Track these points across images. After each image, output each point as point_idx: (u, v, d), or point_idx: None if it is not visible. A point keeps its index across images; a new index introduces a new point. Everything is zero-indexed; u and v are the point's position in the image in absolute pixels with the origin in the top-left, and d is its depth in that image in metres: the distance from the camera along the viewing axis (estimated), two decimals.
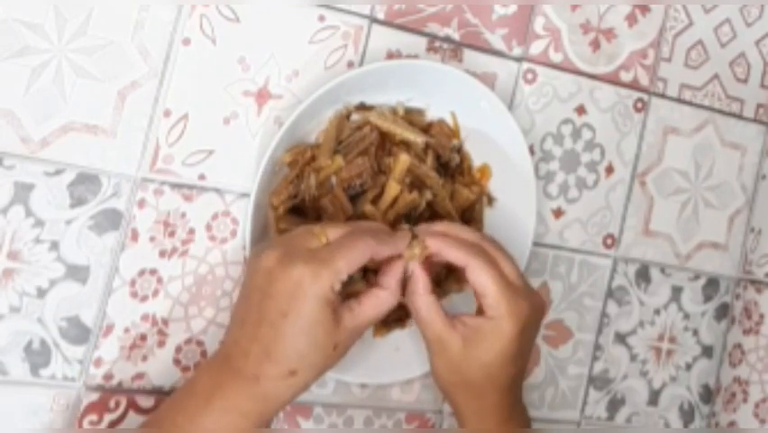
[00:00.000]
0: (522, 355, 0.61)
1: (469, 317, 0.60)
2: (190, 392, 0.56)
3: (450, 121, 0.68)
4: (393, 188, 0.64)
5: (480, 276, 0.58)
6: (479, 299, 0.59)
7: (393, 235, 0.59)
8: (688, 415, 0.81)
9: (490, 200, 0.70)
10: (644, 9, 0.76)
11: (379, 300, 0.57)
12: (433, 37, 0.68)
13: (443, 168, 0.68)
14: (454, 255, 0.59)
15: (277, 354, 0.54)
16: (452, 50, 0.69)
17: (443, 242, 0.59)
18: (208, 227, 0.63)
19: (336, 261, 0.55)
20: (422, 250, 0.59)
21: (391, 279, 0.58)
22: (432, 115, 0.68)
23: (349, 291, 0.60)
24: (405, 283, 0.59)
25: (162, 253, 0.61)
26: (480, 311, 0.60)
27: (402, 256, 0.59)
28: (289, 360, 0.54)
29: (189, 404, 0.55)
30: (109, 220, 0.60)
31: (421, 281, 0.59)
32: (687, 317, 0.80)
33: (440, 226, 0.61)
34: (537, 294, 0.61)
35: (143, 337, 0.61)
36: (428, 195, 0.65)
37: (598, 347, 0.77)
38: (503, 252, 0.61)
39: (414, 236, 0.59)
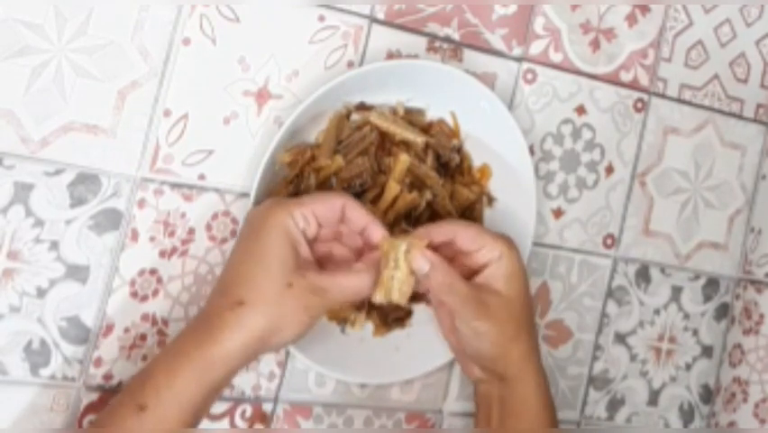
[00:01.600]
0: (529, 284, 0.64)
1: (478, 276, 0.61)
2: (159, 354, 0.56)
3: (450, 121, 0.68)
4: (393, 188, 0.64)
5: (469, 233, 0.61)
6: (475, 256, 0.61)
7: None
8: (688, 415, 0.81)
9: (490, 200, 0.70)
10: (644, 9, 0.76)
11: (350, 272, 0.57)
12: (433, 37, 0.68)
13: (443, 168, 0.68)
14: (441, 231, 0.60)
15: (227, 283, 0.54)
16: (452, 50, 0.69)
17: (426, 229, 0.61)
18: (208, 227, 0.63)
19: (302, 198, 0.57)
20: (413, 243, 0.58)
21: (368, 259, 0.58)
22: (432, 115, 0.68)
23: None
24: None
25: (162, 253, 0.61)
26: (477, 270, 0.61)
27: (385, 252, 0.58)
28: (237, 287, 0.54)
29: (151, 364, 0.55)
30: (109, 220, 0.60)
31: (442, 262, 0.58)
32: (687, 317, 0.80)
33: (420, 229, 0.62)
34: None
35: (143, 337, 0.61)
36: (428, 195, 0.65)
37: (598, 347, 0.77)
38: None
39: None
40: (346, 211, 0.58)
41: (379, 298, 0.57)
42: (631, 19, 0.76)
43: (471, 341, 0.61)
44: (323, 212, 0.57)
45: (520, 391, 0.61)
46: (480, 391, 0.64)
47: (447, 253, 0.61)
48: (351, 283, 0.57)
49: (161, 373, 0.53)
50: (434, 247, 0.59)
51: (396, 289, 0.57)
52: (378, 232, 0.59)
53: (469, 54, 0.70)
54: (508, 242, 0.62)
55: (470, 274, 0.61)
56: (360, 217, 0.58)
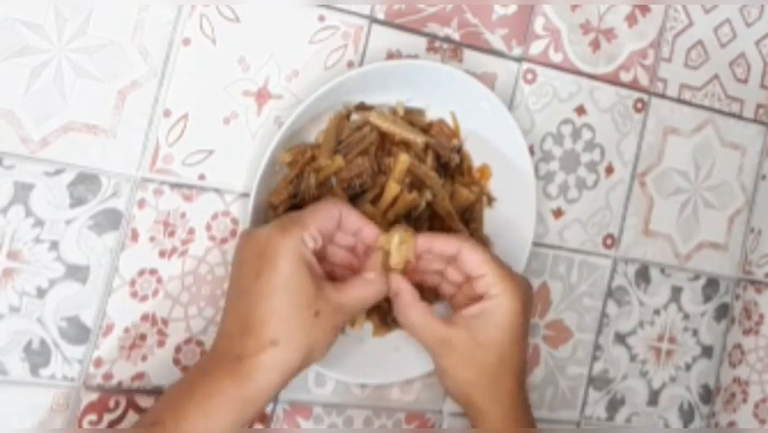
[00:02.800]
0: (525, 336, 0.61)
1: (466, 309, 0.59)
2: (177, 387, 0.56)
3: (450, 121, 0.68)
4: (393, 189, 0.64)
5: (474, 257, 0.59)
6: (474, 283, 0.60)
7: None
8: (687, 415, 0.81)
9: (490, 200, 0.70)
10: (644, 9, 0.76)
11: (364, 282, 0.57)
12: (433, 37, 0.68)
13: (443, 168, 0.68)
14: (446, 244, 0.60)
15: (254, 322, 0.53)
16: (452, 50, 0.69)
17: (431, 236, 0.60)
18: (208, 227, 0.63)
19: (303, 217, 0.55)
20: (404, 239, 0.58)
21: (374, 263, 0.58)
22: (432, 115, 0.68)
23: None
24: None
25: (162, 253, 0.61)
26: (475, 299, 0.60)
27: (380, 248, 0.59)
28: (267, 327, 0.52)
29: (175, 398, 0.54)
30: (109, 220, 0.60)
31: (408, 292, 0.59)
32: (687, 317, 0.80)
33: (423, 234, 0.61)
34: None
35: (143, 337, 0.61)
36: (428, 195, 0.65)
37: (597, 347, 0.77)
38: None
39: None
40: (342, 217, 0.58)
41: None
42: (631, 19, 0.76)
43: (438, 375, 0.62)
44: (324, 226, 0.57)
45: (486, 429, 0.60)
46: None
47: (453, 276, 0.62)
48: (368, 293, 0.57)
49: (197, 409, 0.52)
50: (426, 255, 0.60)
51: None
52: (371, 233, 0.59)
53: (469, 54, 0.70)
54: (515, 285, 0.59)
55: (464, 302, 0.61)
56: (354, 221, 0.59)
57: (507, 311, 0.59)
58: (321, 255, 0.60)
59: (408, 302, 0.59)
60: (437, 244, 0.60)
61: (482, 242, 0.69)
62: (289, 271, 0.53)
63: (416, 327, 0.59)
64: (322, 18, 0.65)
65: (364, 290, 0.57)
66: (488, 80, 0.70)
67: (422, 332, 0.59)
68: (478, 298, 0.60)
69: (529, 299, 0.61)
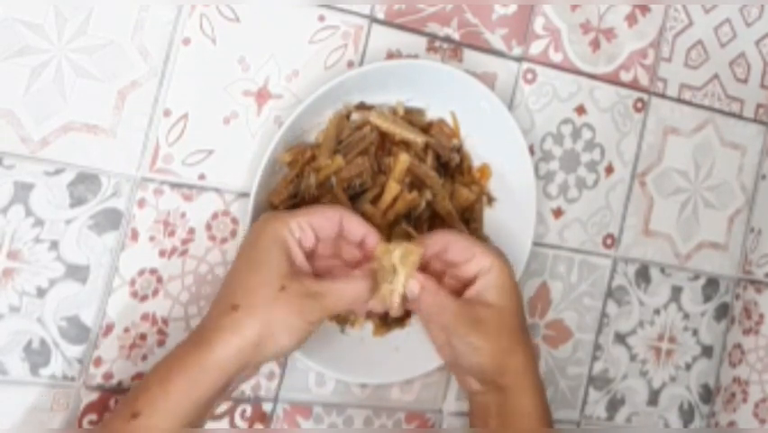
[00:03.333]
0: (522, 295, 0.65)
1: (468, 289, 0.61)
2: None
3: (450, 121, 0.68)
4: (393, 188, 0.64)
5: (461, 243, 0.61)
6: (464, 268, 0.61)
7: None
8: (687, 415, 0.81)
9: (490, 200, 0.70)
10: (644, 9, 0.76)
11: (346, 277, 0.58)
12: (433, 37, 0.68)
13: (443, 168, 0.68)
14: (434, 242, 0.61)
15: (224, 292, 0.56)
16: (452, 50, 0.69)
17: (421, 239, 0.61)
18: (208, 227, 0.63)
19: (298, 210, 0.58)
20: (408, 248, 0.59)
21: (365, 267, 0.59)
22: (432, 115, 0.68)
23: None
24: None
25: (162, 253, 0.61)
26: (467, 282, 0.61)
27: (378, 258, 0.59)
28: (234, 294, 0.54)
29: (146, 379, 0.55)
30: (109, 220, 0.60)
31: (433, 284, 0.59)
32: (687, 317, 0.80)
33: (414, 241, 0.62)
34: None
35: (143, 337, 0.61)
36: (428, 195, 0.65)
37: (597, 347, 0.77)
38: None
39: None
40: (343, 223, 0.58)
41: (374, 305, 0.59)
42: (631, 19, 0.76)
43: (468, 356, 0.61)
44: (319, 223, 0.57)
45: (519, 402, 0.61)
46: (476, 401, 0.63)
47: (438, 266, 0.62)
48: (348, 288, 0.57)
49: (156, 381, 0.53)
50: (425, 261, 0.60)
51: (391, 299, 0.58)
52: (372, 239, 0.59)
53: (469, 54, 0.70)
54: (499, 254, 0.62)
55: (462, 287, 0.62)
56: (357, 228, 0.59)
57: (506, 277, 0.61)
58: (327, 270, 0.60)
59: (426, 287, 0.59)
60: (428, 245, 0.60)
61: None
62: (265, 247, 0.56)
63: (439, 308, 0.59)
64: (322, 18, 0.65)
65: (345, 285, 0.57)
66: (488, 80, 0.70)
67: (445, 312, 0.59)
68: (472, 278, 0.61)
69: (511, 268, 0.63)
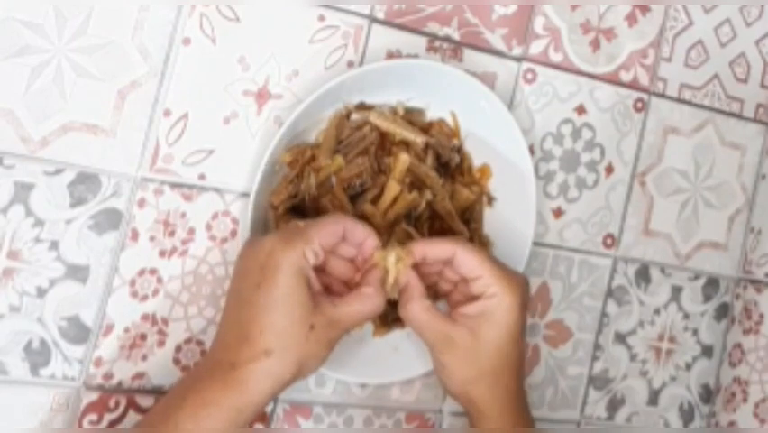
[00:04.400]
0: (523, 334, 0.61)
1: (466, 307, 0.60)
2: (171, 393, 0.56)
3: (450, 121, 0.68)
4: (393, 188, 0.64)
5: (470, 259, 0.59)
6: (470, 284, 0.60)
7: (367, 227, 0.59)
8: (688, 415, 0.81)
9: (490, 200, 0.70)
10: (644, 9, 0.76)
11: (361, 296, 0.57)
12: (433, 37, 0.68)
13: (443, 168, 0.68)
14: (440, 249, 0.60)
15: (251, 332, 0.53)
16: (452, 49, 0.69)
17: (425, 243, 0.60)
18: (208, 227, 0.63)
19: (308, 231, 0.56)
20: (400, 256, 0.59)
21: (372, 278, 0.58)
22: (432, 114, 0.68)
23: None
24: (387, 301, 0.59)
25: (162, 253, 0.61)
26: (472, 298, 0.60)
27: (378, 264, 0.59)
28: (263, 337, 0.53)
29: (168, 406, 0.54)
30: (109, 220, 0.60)
31: (415, 287, 0.59)
32: (687, 316, 0.80)
33: (417, 242, 0.61)
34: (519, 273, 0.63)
35: (143, 337, 0.61)
36: (428, 195, 0.65)
37: (597, 347, 0.77)
38: None
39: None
40: (346, 232, 0.58)
41: None
42: (631, 19, 0.76)
43: (437, 372, 0.62)
44: (328, 241, 0.57)
45: (486, 427, 0.60)
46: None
47: (450, 274, 0.62)
48: (364, 308, 0.57)
49: (188, 419, 0.52)
50: (428, 265, 0.60)
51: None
52: (371, 241, 0.59)
53: (469, 54, 0.70)
54: (510, 284, 0.59)
55: (462, 300, 0.61)
56: (360, 234, 0.59)
57: (507, 310, 0.59)
58: (321, 267, 0.60)
59: (413, 297, 0.59)
60: (431, 252, 0.60)
61: (482, 242, 0.69)
62: (288, 285, 0.54)
63: (419, 323, 0.59)
64: (322, 18, 0.65)
65: (361, 305, 0.57)
66: (488, 80, 0.70)
67: (424, 328, 0.59)
68: (476, 297, 0.60)
69: (527, 296, 0.61)
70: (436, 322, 0.59)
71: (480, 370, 0.59)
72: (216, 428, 0.52)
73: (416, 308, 0.59)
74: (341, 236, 0.58)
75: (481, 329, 0.59)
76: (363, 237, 0.59)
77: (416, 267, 0.60)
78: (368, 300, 0.57)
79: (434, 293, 0.66)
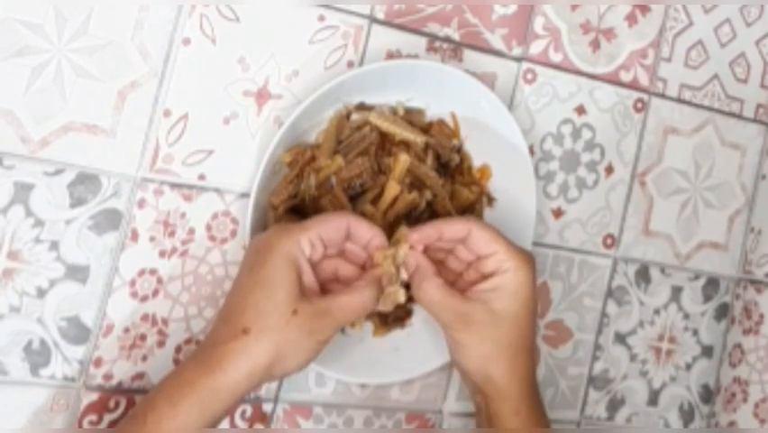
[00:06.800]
0: (536, 310, 0.61)
1: (480, 283, 0.59)
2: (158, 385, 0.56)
3: (450, 121, 0.68)
4: (393, 188, 0.64)
5: (484, 235, 0.59)
6: (485, 261, 0.59)
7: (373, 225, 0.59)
8: (688, 415, 0.81)
9: (490, 200, 0.70)
10: (644, 9, 0.76)
11: (351, 289, 0.57)
12: (433, 37, 0.68)
13: (443, 168, 0.68)
14: (456, 227, 0.60)
15: (233, 311, 0.54)
16: (452, 50, 0.69)
17: (437, 224, 0.60)
18: (208, 227, 0.63)
19: (307, 222, 0.56)
20: (403, 245, 0.59)
21: (367, 276, 0.58)
22: (432, 114, 0.68)
23: None
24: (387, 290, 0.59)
25: (162, 253, 0.61)
26: (486, 276, 0.59)
27: (380, 264, 0.59)
28: (244, 316, 0.53)
29: (153, 390, 0.55)
30: (109, 220, 0.60)
31: (427, 267, 0.59)
32: (687, 317, 0.80)
33: (432, 222, 0.61)
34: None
35: (143, 337, 0.61)
36: (428, 195, 0.65)
37: (598, 347, 0.77)
38: None
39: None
40: (351, 228, 0.58)
41: (382, 306, 0.58)
42: (631, 19, 0.76)
43: (455, 353, 0.61)
44: (328, 234, 0.57)
45: (501, 410, 0.59)
46: (474, 400, 0.63)
47: (464, 255, 0.61)
48: (354, 301, 0.56)
49: (164, 401, 0.53)
50: (444, 245, 0.60)
51: (398, 294, 0.58)
52: (378, 240, 0.59)
53: (469, 54, 0.70)
54: (524, 258, 0.59)
55: (476, 278, 0.61)
56: (365, 232, 0.58)
57: (522, 284, 0.59)
58: (332, 273, 0.60)
59: (426, 276, 0.59)
60: (447, 231, 0.60)
61: None
62: (275, 266, 0.54)
63: (435, 302, 0.58)
64: (322, 18, 0.65)
65: (350, 298, 0.56)
66: (488, 80, 0.70)
67: (439, 306, 0.58)
68: (489, 274, 0.60)
69: (535, 271, 0.61)
70: (451, 299, 0.58)
71: (499, 345, 0.59)
72: (189, 410, 0.52)
73: (431, 287, 0.58)
74: (344, 232, 0.58)
75: (497, 303, 0.58)
76: (369, 236, 0.59)
77: (425, 251, 0.60)
78: (356, 293, 0.57)
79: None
